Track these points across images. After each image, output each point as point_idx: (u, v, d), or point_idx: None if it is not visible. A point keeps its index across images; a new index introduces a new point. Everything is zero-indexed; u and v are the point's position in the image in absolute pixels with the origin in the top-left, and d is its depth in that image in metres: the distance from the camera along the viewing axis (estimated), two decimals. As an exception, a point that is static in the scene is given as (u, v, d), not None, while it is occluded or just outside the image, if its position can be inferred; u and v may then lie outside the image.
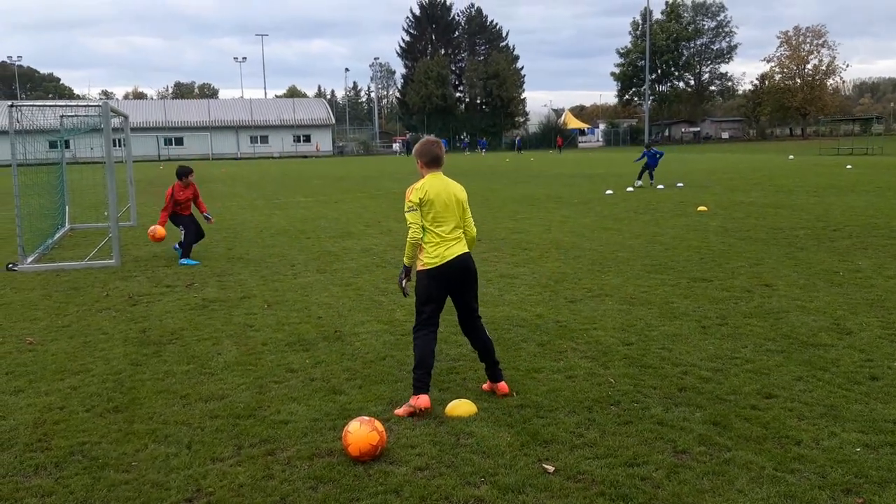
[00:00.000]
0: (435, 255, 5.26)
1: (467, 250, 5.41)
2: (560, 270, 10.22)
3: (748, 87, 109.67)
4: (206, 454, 4.54)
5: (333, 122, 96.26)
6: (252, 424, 4.97)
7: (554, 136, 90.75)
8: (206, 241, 13.97)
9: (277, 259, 11.91)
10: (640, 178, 25.34)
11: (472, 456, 4.42)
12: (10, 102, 12.16)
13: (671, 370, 5.85)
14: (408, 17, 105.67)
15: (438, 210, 5.24)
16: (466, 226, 5.42)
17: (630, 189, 24.03)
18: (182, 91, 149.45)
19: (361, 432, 4.38)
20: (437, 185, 5.29)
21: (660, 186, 24.40)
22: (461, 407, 5.07)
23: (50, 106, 15.83)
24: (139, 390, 5.72)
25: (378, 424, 4.49)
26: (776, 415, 4.89)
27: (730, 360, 6.09)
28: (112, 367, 6.33)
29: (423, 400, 5.11)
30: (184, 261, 11.71)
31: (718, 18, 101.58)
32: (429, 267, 5.26)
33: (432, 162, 5.35)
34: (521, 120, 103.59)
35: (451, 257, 5.26)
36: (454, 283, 5.32)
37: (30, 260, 11.92)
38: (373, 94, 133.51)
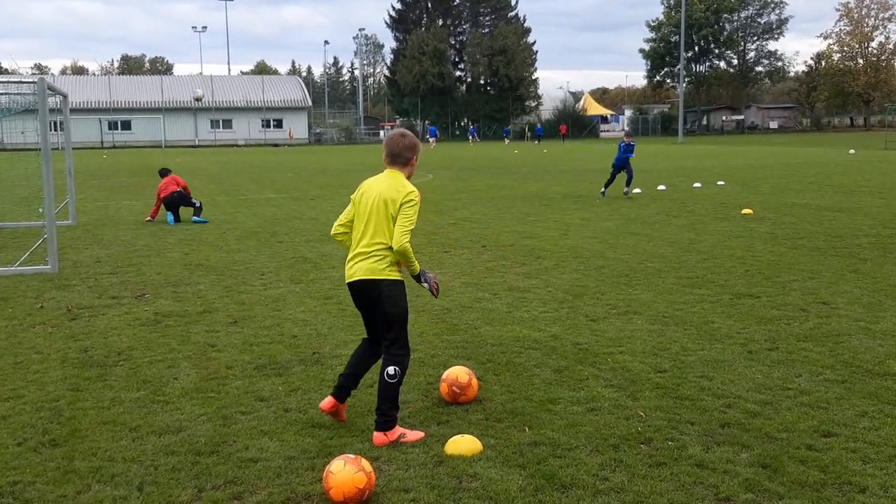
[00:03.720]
0: (345, 266, 5.49)
1: (371, 277, 5.23)
2: (579, 283, 10.25)
3: (801, 68, 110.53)
4: (160, 497, 4.53)
5: (310, 104, 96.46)
6: (215, 462, 4.97)
7: (570, 123, 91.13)
8: (158, 245, 14.20)
9: (244, 266, 11.93)
10: (608, 184, 21.89)
11: (477, 502, 4.42)
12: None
13: (712, 403, 5.87)
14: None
15: (358, 214, 5.38)
16: (394, 230, 5.21)
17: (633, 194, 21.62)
18: (130, 66, 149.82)
19: (346, 473, 4.38)
20: (371, 184, 5.40)
21: (697, 184, 24.46)
22: (464, 444, 5.08)
23: (-26, 82, 15.84)
24: (80, 421, 5.71)
25: (365, 464, 4.50)
26: (836, 457, 4.91)
27: (781, 391, 6.10)
28: (48, 393, 6.32)
29: (324, 401, 5.55)
30: (199, 218, 17.36)
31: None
32: None
33: (386, 157, 5.44)
34: (533, 104, 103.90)
35: (349, 280, 5.40)
36: (359, 304, 5.52)
37: (-51, 264, 11.91)
38: (357, 72, 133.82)
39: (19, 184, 23.96)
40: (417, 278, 5.43)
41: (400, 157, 5.40)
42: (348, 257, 5.42)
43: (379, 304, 5.31)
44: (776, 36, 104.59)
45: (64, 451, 5.18)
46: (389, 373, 5.29)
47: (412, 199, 5.25)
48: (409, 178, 5.44)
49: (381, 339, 5.44)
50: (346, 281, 5.42)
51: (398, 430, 5.31)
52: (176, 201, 17.51)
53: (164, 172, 18.13)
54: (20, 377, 6.74)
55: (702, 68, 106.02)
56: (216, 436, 5.40)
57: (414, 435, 5.31)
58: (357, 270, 5.30)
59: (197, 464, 4.96)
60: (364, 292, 5.34)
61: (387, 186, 5.29)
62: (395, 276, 5.31)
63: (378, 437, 5.26)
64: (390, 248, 5.22)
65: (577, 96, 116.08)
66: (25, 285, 10.71)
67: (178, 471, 4.86)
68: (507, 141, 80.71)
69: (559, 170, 34.31)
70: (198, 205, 17.64)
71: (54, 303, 9.64)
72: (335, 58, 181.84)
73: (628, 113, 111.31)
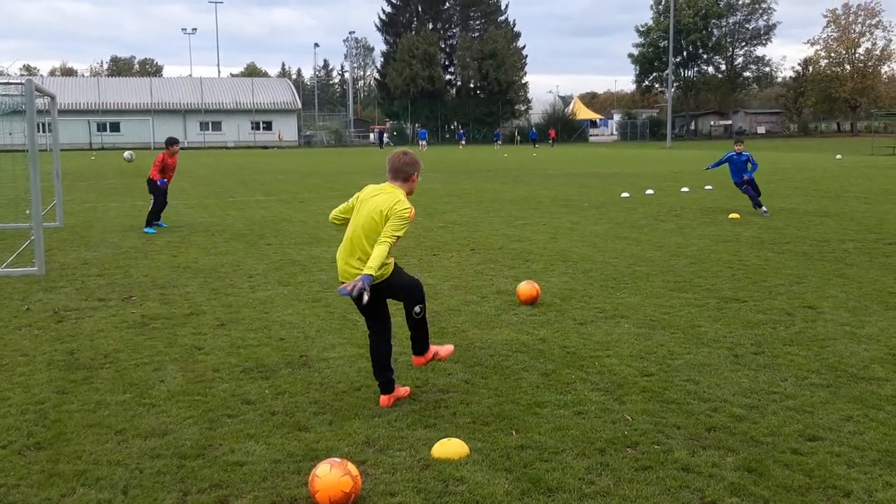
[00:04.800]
0: (338, 258, 5.92)
1: (374, 282, 5.62)
2: (567, 287, 10.26)
3: (789, 73, 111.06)
4: (145, 501, 4.51)
5: (300, 106, 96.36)
6: (201, 466, 4.95)
7: (559, 127, 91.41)
8: (146, 248, 14.18)
9: (231, 269, 11.90)
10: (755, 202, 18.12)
11: (463, 506, 4.42)
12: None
13: (698, 406, 5.88)
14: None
15: (354, 220, 5.79)
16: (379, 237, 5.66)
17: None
18: (119, 67, 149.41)
19: (332, 477, 4.37)
20: (371, 193, 5.86)
21: (684, 189, 24.55)
22: (450, 447, 5.08)
23: (-38, 83, 15.76)
24: (66, 424, 5.69)
25: (351, 468, 4.49)
26: (821, 461, 4.93)
27: (767, 395, 6.12)
28: (33, 396, 6.28)
29: (380, 399, 6.01)
30: (148, 230, 15.65)
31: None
32: None
33: (389, 172, 5.93)
34: (522, 108, 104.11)
35: (340, 269, 5.86)
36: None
37: (-65, 266, 11.84)
38: (347, 75, 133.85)
39: (6, 185, 23.82)
40: (362, 277, 5.47)
41: (401, 172, 5.86)
42: (340, 252, 5.85)
43: (388, 292, 5.90)
44: (764, 42, 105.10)
45: (49, 454, 5.15)
46: (416, 311, 5.95)
47: (405, 215, 5.65)
48: (409, 194, 5.89)
49: (404, 304, 6.01)
50: (340, 279, 5.85)
51: (432, 349, 6.17)
52: (150, 186, 16.58)
53: (167, 142, 16.73)
54: (5, 379, 6.70)
55: (690, 73, 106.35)
56: (202, 439, 5.38)
57: (445, 350, 6.25)
58: (350, 276, 5.69)
59: (182, 467, 4.94)
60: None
61: (385, 200, 5.71)
62: (390, 268, 5.81)
63: (417, 359, 6.19)
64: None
65: (566, 100, 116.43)
66: (12, 287, 10.65)
67: (163, 474, 4.84)
68: (497, 145, 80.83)
69: (548, 174, 34.35)
70: (151, 205, 16.13)
71: (41, 305, 9.59)
72: (325, 60, 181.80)
73: (617, 117, 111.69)
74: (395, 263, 5.93)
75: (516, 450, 5.14)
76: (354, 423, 5.64)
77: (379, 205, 5.69)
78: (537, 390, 6.28)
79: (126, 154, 17.63)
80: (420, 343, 6.12)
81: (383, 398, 5.97)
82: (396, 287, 5.92)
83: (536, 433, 5.40)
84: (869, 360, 6.98)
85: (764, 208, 17.78)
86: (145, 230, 15.70)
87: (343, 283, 5.72)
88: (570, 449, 5.14)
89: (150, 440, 5.38)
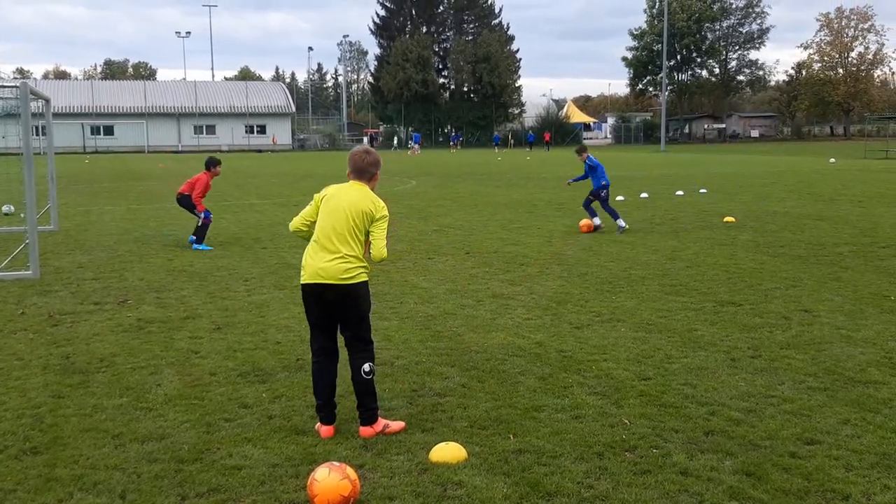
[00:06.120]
0: (303, 263, 5.59)
1: (346, 283, 5.40)
2: (563, 290, 10.27)
3: (782, 77, 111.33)
4: (143, 506, 4.50)
5: (293, 110, 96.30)
6: (198, 470, 4.94)
7: (553, 131, 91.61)
8: (141, 251, 14.21)
9: (227, 272, 11.88)
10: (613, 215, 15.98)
11: (462, 510, 4.41)
12: None
13: (696, 410, 5.89)
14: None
15: (324, 214, 5.57)
16: (373, 244, 5.53)
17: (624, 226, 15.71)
18: (113, 71, 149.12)
19: (330, 481, 4.37)
20: (337, 188, 5.66)
21: (679, 192, 24.58)
22: (448, 451, 5.08)
23: (-44, 86, 15.73)
24: (62, 428, 5.67)
25: (350, 471, 4.49)
26: (819, 464, 4.93)
27: (764, 398, 6.13)
28: (29, 400, 6.26)
29: (322, 430, 5.51)
30: (199, 246, 14.32)
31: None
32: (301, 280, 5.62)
33: (351, 172, 5.70)
34: (516, 111, 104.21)
35: (316, 280, 5.44)
36: (320, 304, 5.55)
37: (-71, 269, 11.80)
38: (341, 79, 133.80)
39: (1, 189, 23.74)
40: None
41: (365, 173, 5.69)
42: (311, 255, 5.52)
43: (352, 306, 5.50)
44: (757, 45, 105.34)
45: (45, 459, 5.14)
46: (365, 370, 5.53)
47: (385, 215, 5.58)
48: (373, 190, 5.72)
49: (347, 335, 5.60)
50: (311, 280, 5.48)
51: (382, 421, 5.57)
52: (185, 204, 15.04)
53: (206, 164, 15.00)
54: (1, 384, 6.68)
55: (684, 77, 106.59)
56: (199, 443, 5.37)
57: (396, 425, 5.58)
58: (328, 273, 5.43)
59: (180, 471, 4.93)
60: (336, 294, 5.46)
61: (359, 197, 5.55)
62: (365, 278, 5.56)
63: (365, 430, 5.50)
64: (361, 256, 5.52)
65: (560, 104, 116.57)
66: (6, 291, 10.61)
67: (160, 478, 4.83)
68: (497, 149, 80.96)
69: (543, 177, 34.38)
70: (199, 223, 14.61)
71: (36, 309, 9.56)
72: (319, 64, 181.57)
73: (611, 121, 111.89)
74: (368, 289, 5.60)
75: (514, 454, 5.14)
76: (353, 426, 5.62)
77: (355, 203, 5.48)
78: (535, 394, 6.28)
79: (5, 208, 18.32)
80: (367, 411, 5.52)
81: (363, 429, 5.52)
82: (354, 309, 5.51)
83: (534, 437, 5.40)
84: (865, 363, 7.00)
85: (597, 220, 15.88)
86: (199, 247, 14.32)
87: (315, 283, 5.43)
88: (568, 453, 5.14)
89: (147, 444, 5.36)
